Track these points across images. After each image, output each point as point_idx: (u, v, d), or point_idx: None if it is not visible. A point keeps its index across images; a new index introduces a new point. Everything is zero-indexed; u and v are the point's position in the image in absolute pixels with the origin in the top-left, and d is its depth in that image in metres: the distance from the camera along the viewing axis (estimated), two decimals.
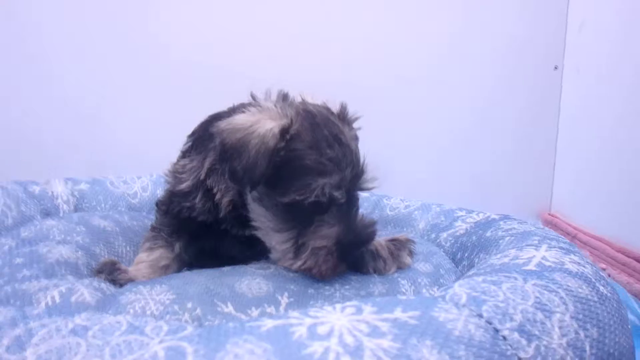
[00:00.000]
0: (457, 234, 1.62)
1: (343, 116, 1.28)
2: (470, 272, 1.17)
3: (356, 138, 1.31)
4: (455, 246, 1.57)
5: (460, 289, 0.86)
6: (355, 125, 1.34)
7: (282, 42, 2.43)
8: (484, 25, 2.49)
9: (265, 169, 1.08)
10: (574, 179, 2.55)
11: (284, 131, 1.10)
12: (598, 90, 2.33)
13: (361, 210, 1.98)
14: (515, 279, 0.91)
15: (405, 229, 1.83)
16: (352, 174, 1.14)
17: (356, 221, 1.16)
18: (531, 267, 1.01)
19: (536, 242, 1.26)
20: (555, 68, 2.53)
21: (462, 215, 1.72)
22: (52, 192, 1.68)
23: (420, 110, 2.55)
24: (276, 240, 1.16)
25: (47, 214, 1.61)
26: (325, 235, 1.12)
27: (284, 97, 1.26)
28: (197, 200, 1.26)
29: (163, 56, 2.37)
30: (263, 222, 1.17)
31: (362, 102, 2.49)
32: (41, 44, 2.31)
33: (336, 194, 1.10)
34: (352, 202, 1.16)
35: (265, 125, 1.10)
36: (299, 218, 1.12)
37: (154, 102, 2.38)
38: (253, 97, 1.28)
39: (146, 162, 2.26)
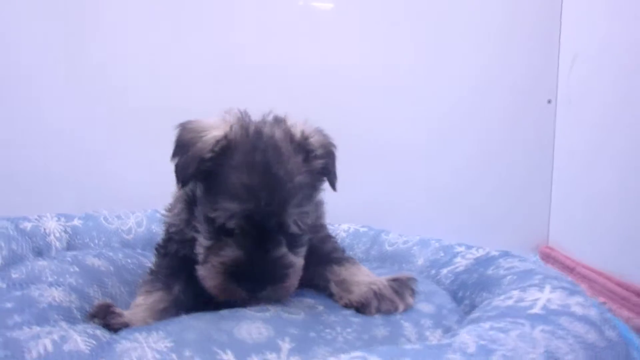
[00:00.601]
0: (457, 270, 1.60)
1: (302, 145, 1.21)
2: (475, 315, 1.16)
3: (313, 170, 1.21)
4: (455, 284, 1.54)
5: (467, 337, 0.84)
6: (320, 154, 1.24)
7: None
8: (477, 62, 2.52)
9: (195, 172, 1.13)
10: (571, 211, 2.55)
11: (215, 143, 1.13)
12: (592, 122, 2.35)
13: (358, 249, 1.97)
14: (523, 325, 0.89)
15: (404, 265, 1.80)
16: (267, 208, 1.10)
17: (267, 255, 1.13)
18: (537, 310, 1.00)
19: (538, 281, 1.25)
20: (549, 102, 2.55)
21: (461, 251, 1.70)
22: (45, 229, 1.65)
23: (417, 144, 2.56)
24: (198, 243, 1.20)
25: (38, 251, 1.57)
26: (223, 255, 1.13)
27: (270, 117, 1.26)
28: (184, 217, 1.28)
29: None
30: (198, 224, 1.20)
31: (363, 136, 2.51)
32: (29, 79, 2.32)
33: (232, 222, 1.10)
34: (265, 234, 1.13)
35: (214, 133, 1.15)
36: (215, 231, 1.15)
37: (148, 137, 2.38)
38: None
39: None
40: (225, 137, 1.14)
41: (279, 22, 2.46)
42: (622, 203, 2.12)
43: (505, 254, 1.55)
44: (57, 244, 1.64)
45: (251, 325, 1.07)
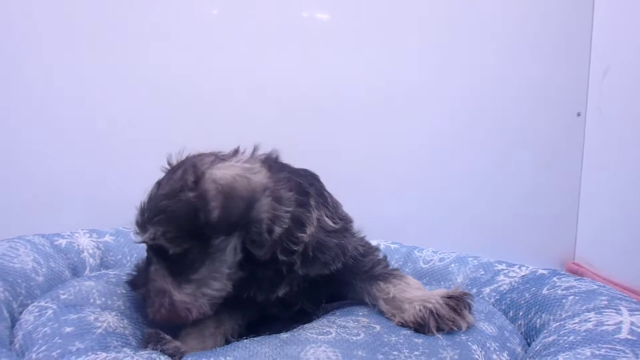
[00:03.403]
0: (502, 289, 1.56)
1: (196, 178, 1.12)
2: (548, 338, 1.11)
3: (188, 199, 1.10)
4: (503, 303, 1.50)
5: None
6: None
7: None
8: (505, 72, 2.48)
9: None
10: (599, 226, 2.51)
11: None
12: (621, 136, 2.32)
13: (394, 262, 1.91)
14: (625, 352, 0.84)
15: (442, 283, 1.76)
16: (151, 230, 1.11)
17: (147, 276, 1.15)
18: (625, 334, 0.95)
19: (606, 302, 1.20)
20: (578, 115, 2.52)
21: (503, 269, 1.65)
22: (78, 246, 1.59)
23: (441, 159, 2.50)
24: None
25: (74, 268, 1.51)
26: None
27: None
28: None
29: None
30: None
31: (378, 149, 2.45)
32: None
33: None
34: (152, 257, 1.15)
35: None
36: None
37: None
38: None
39: None
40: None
41: (285, 35, 2.39)
42: None
43: (556, 273, 1.51)
44: (91, 260, 1.59)
45: (317, 349, 1.02)
